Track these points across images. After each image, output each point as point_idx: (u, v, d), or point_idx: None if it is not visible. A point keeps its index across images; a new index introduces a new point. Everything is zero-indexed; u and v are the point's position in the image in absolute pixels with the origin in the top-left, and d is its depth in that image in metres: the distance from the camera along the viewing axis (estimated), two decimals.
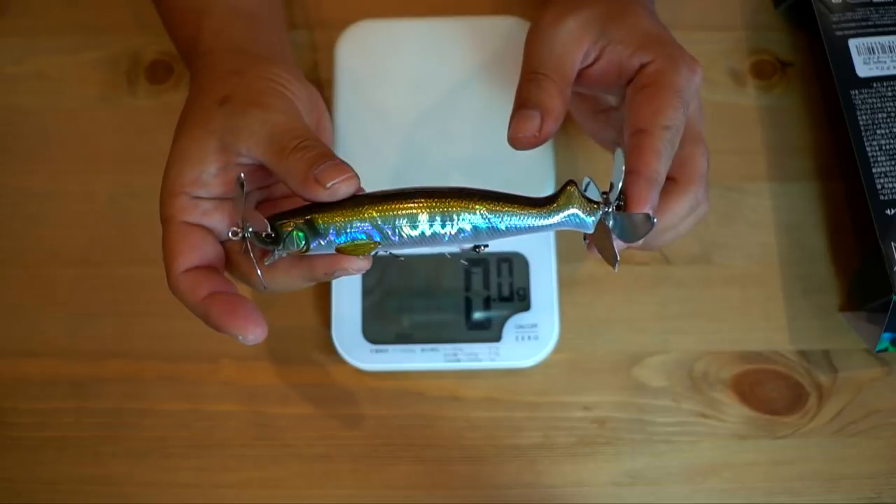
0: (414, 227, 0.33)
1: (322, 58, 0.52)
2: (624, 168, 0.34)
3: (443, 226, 0.33)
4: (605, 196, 0.34)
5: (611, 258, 0.34)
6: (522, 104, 0.37)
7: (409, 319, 0.45)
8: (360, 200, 0.33)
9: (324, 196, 0.32)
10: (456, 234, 0.33)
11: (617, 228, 0.34)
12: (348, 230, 0.33)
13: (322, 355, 0.47)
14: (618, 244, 0.34)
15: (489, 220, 0.33)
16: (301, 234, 0.32)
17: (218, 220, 0.35)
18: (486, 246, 0.34)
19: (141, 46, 0.53)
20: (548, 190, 0.46)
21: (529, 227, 0.33)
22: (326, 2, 0.54)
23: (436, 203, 0.33)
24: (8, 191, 0.50)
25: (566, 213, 0.33)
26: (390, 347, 0.45)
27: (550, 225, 0.34)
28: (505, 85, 0.48)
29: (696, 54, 0.52)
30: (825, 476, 0.45)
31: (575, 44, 0.37)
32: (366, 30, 0.50)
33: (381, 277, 0.46)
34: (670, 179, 0.37)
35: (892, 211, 0.44)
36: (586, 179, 0.34)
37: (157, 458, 0.46)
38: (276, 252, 0.33)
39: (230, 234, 0.34)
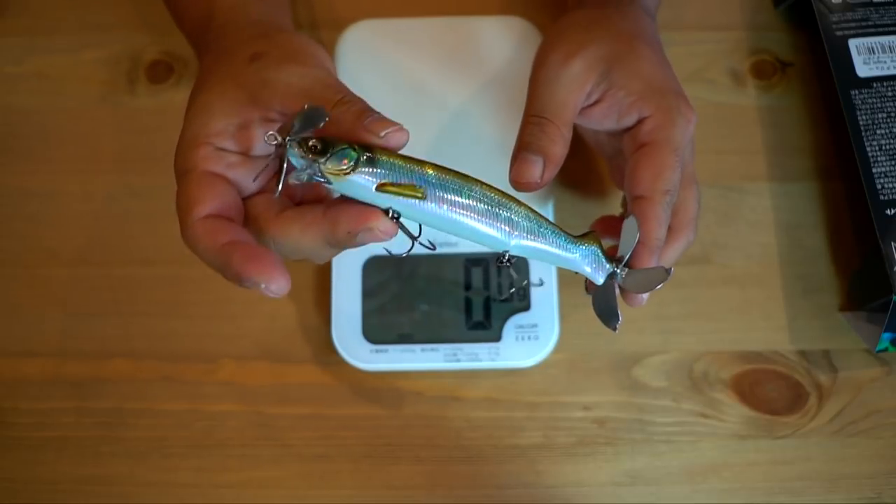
0: (464, 195, 0.32)
1: None
2: (637, 238, 0.36)
3: (487, 204, 0.32)
4: (614, 259, 0.36)
5: (612, 318, 0.36)
6: (525, 147, 0.37)
7: (409, 319, 0.45)
8: (415, 158, 0.32)
9: (376, 143, 0.31)
10: (496, 219, 0.32)
11: (630, 283, 0.36)
12: (400, 169, 0.31)
13: (322, 355, 0.47)
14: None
15: (526, 221, 0.33)
16: (353, 152, 0.30)
17: (241, 176, 0.33)
18: (510, 261, 0.34)
19: (141, 46, 0.53)
20: (546, 193, 0.46)
21: (553, 250, 0.34)
22: (328, 1, 0.54)
23: (489, 187, 0.33)
24: (8, 191, 0.50)
25: (588, 253, 0.35)
26: (390, 347, 0.45)
27: (569, 259, 0.35)
28: (506, 85, 0.48)
29: (695, 54, 0.53)
30: (825, 476, 0.45)
31: (578, 88, 0.38)
32: (367, 29, 0.50)
33: (381, 278, 0.46)
34: None
35: (892, 211, 0.44)
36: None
37: (157, 458, 0.46)
38: (314, 167, 0.30)
39: (266, 138, 0.30)
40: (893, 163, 0.45)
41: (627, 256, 0.36)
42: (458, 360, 0.45)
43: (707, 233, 0.49)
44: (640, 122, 0.38)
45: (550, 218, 0.47)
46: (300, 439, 0.46)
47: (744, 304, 0.48)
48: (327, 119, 0.30)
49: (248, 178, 0.33)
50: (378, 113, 0.32)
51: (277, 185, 0.31)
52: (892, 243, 0.43)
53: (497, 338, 0.45)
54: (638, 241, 0.36)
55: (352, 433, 0.46)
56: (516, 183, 0.37)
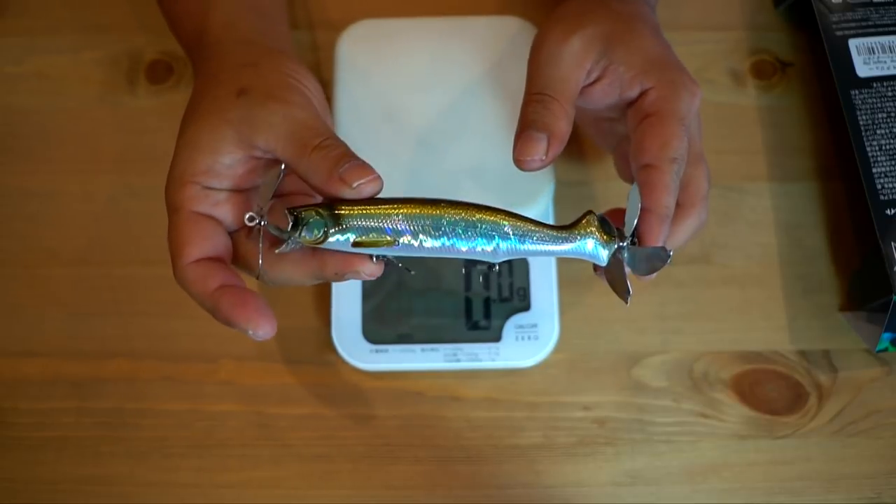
0: (437, 227, 0.33)
1: (322, 58, 0.53)
2: (640, 206, 0.35)
3: (465, 230, 0.33)
4: (618, 231, 0.35)
5: (623, 292, 0.35)
6: (529, 125, 0.37)
7: (409, 319, 0.45)
8: (382, 200, 0.33)
9: (348, 195, 0.32)
10: (475, 240, 0.33)
11: (632, 262, 0.35)
12: (370, 223, 0.32)
13: (322, 355, 0.47)
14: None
15: (510, 232, 0.33)
16: (321, 221, 0.32)
17: (228, 212, 0.34)
18: (496, 266, 0.34)
19: (141, 46, 0.53)
20: (546, 192, 0.46)
21: (547, 248, 0.34)
22: (327, 2, 0.54)
23: (461, 208, 0.33)
24: (8, 191, 0.50)
25: (584, 240, 0.34)
26: (390, 347, 0.45)
27: (566, 251, 0.34)
28: (506, 85, 0.48)
29: (695, 54, 0.53)
30: (825, 476, 0.45)
31: (578, 64, 0.38)
32: (366, 29, 0.50)
33: (381, 278, 0.46)
34: (675, 205, 0.38)
35: (892, 211, 0.44)
36: (598, 214, 0.35)
37: (157, 458, 0.46)
38: (292, 240, 0.32)
39: (246, 220, 0.33)
40: (893, 163, 0.45)
41: (634, 225, 0.35)
42: (458, 360, 0.45)
43: (707, 233, 0.49)
44: (642, 94, 0.38)
45: (550, 213, 0.47)
46: (300, 439, 0.46)
47: (744, 304, 0.48)
48: (283, 172, 0.34)
49: (235, 215, 0.34)
50: (355, 159, 0.33)
51: (259, 260, 0.33)
52: (892, 243, 0.43)
53: (497, 338, 0.45)
54: (647, 209, 0.35)
55: (351, 433, 0.46)
56: (521, 161, 0.36)
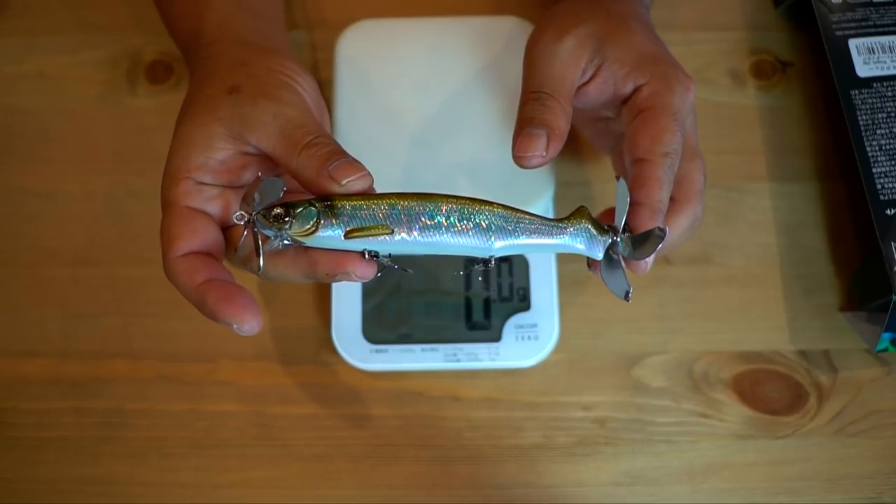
0: (431, 217, 0.32)
1: (322, 58, 0.53)
2: (629, 199, 0.35)
3: (459, 220, 0.32)
4: (610, 227, 0.35)
5: (622, 289, 0.35)
6: (527, 122, 0.37)
7: (409, 319, 0.45)
8: (374, 194, 0.33)
9: (338, 192, 0.32)
10: (469, 230, 0.33)
11: (628, 249, 0.35)
12: (362, 212, 0.32)
13: (322, 355, 0.47)
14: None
15: (504, 222, 0.33)
16: (313, 211, 0.31)
17: (221, 208, 0.34)
18: (491, 263, 0.34)
19: (141, 46, 0.53)
20: (546, 193, 0.46)
21: (541, 241, 0.34)
22: (326, 2, 0.54)
23: (455, 199, 0.33)
24: (8, 191, 0.50)
25: (577, 232, 0.34)
26: (390, 347, 0.45)
27: (560, 244, 0.34)
28: (505, 85, 0.48)
29: (696, 54, 0.53)
30: (825, 476, 0.45)
31: (574, 63, 0.38)
32: (366, 30, 0.50)
33: (381, 278, 0.46)
34: (670, 199, 0.38)
35: (892, 211, 0.44)
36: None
37: (157, 458, 0.46)
38: (283, 232, 0.31)
39: (235, 218, 0.32)
40: (893, 163, 0.45)
41: (623, 220, 0.35)
42: (458, 360, 0.45)
43: (707, 233, 0.49)
44: (636, 90, 0.38)
45: (550, 213, 0.47)
46: (300, 439, 0.46)
47: (744, 304, 0.48)
48: (284, 189, 0.32)
49: (228, 210, 0.34)
50: (345, 156, 0.33)
51: (258, 259, 0.32)
52: (892, 243, 0.43)
53: (497, 338, 0.45)
54: (639, 203, 0.35)
55: (352, 433, 0.46)
56: (520, 158, 0.36)
